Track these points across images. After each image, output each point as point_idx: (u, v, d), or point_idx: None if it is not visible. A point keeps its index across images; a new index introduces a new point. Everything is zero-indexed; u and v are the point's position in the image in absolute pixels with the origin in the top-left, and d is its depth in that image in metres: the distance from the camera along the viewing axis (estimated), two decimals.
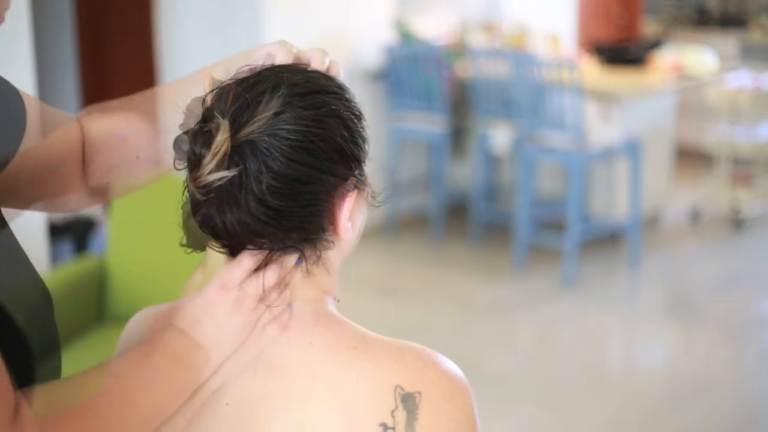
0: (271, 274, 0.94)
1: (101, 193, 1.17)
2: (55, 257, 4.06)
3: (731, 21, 7.88)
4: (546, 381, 3.85)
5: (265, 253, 0.94)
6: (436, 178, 5.59)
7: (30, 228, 2.97)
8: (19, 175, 1.05)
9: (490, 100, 5.23)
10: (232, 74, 0.96)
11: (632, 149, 5.01)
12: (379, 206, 1.04)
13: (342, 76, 1.01)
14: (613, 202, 5.42)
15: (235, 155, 0.89)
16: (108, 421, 0.85)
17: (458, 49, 5.72)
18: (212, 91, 0.94)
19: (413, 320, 4.42)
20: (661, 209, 5.85)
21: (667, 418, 3.56)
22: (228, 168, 0.89)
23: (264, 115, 0.90)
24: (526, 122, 5.00)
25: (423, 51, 5.36)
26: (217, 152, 0.88)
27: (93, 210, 4.48)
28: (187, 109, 0.94)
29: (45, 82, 5.17)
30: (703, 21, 8.05)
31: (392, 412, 0.89)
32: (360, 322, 0.97)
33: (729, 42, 7.53)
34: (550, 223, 5.43)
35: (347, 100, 0.97)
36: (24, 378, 0.87)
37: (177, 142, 0.92)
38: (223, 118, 0.90)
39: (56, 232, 4.17)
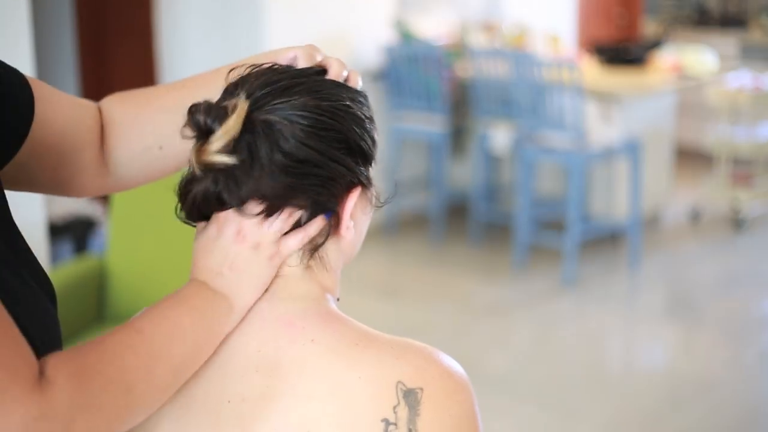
0: (283, 221, 0.95)
1: (125, 181, 1.16)
2: (55, 257, 4.06)
3: (731, 21, 7.88)
4: (546, 381, 3.85)
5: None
6: (436, 178, 5.59)
7: (30, 228, 2.97)
8: (33, 160, 1.05)
9: (490, 100, 5.23)
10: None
11: (632, 149, 5.01)
12: (381, 206, 1.05)
13: (360, 85, 1.04)
14: (613, 202, 5.42)
15: (247, 135, 0.92)
16: (137, 376, 0.84)
17: (458, 49, 5.72)
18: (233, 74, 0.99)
19: (413, 320, 4.43)
20: (661, 209, 5.85)
21: (667, 418, 3.56)
22: (236, 150, 0.91)
23: (280, 99, 0.94)
24: (526, 122, 5.00)
25: (423, 51, 5.36)
26: (229, 129, 0.91)
27: (93, 210, 4.48)
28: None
29: (45, 82, 5.16)
30: (703, 21, 8.06)
31: (394, 407, 0.90)
32: (360, 322, 0.98)
33: (729, 42, 7.53)
34: (550, 223, 5.43)
35: (362, 103, 1.00)
36: None
37: (192, 110, 0.93)
38: (241, 98, 0.93)
39: (56, 232, 4.16)
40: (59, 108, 1.08)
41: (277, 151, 0.92)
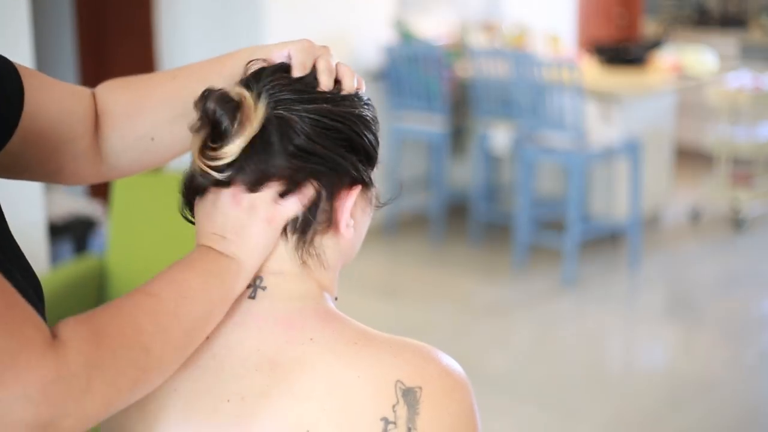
0: (279, 184, 0.96)
1: (117, 170, 1.17)
2: (55, 257, 4.06)
3: (731, 21, 7.88)
4: (546, 381, 3.85)
5: None
6: (436, 178, 5.60)
7: (30, 228, 2.97)
8: (26, 149, 1.05)
9: (490, 100, 5.23)
10: (249, 66, 1.02)
11: (632, 149, 5.01)
12: (382, 206, 1.06)
13: (364, 90, 1.05)
14: (613, 202, 5.42)
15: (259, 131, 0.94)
16: (153, 338, 0.84)
17: (458, 49, 5.72)
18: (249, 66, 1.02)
19: (413, 320, 4.43)
20: (661, 209, 5.85)
21: (667, 418, 3.56)
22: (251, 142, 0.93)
23: (290, 97, 0.96)
24: (526, 122, 5.00)
25: (423, 51, 5.36)
26: (247, 125, 0.93)
27: (93, 210, 4.48)
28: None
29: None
30: (703, 21, 8.06)
31: (393, 406, 0.90)
32: (360, 322, 0.98)
33: (729, 42, 7.53)
34: (550, 223, 5.44)
35: (366, 106, 1.02)
36: None
37: (206, 94, 0.94)
38: (257, 93, 0.95)
39: (56, 232, 4.16)
40: (52, 97, 1.08)
41: (288, 143, 0.94)
